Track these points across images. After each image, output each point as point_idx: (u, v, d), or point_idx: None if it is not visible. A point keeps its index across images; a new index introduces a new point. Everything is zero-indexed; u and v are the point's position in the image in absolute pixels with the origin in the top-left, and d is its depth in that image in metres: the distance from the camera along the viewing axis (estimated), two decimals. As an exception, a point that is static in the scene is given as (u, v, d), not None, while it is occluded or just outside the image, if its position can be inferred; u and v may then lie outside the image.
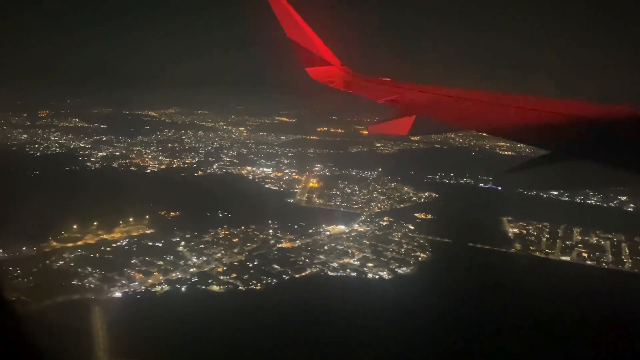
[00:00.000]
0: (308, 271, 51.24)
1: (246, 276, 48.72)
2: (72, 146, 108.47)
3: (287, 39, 13.10)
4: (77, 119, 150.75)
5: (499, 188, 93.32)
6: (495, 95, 8.25)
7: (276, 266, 51.23)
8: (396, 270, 53.15)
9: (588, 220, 68.99)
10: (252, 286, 47.14)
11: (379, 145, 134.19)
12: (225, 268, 50.55)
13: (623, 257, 58.29)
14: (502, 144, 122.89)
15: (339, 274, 51.53)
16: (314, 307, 42.75)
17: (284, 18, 12.80)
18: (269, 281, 48.19)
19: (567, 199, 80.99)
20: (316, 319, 40.99)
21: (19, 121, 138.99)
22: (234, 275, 48.61)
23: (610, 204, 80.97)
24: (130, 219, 60.56)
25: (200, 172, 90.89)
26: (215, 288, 46.38)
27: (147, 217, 61.55)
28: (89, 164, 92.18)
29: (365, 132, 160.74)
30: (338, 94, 12.60)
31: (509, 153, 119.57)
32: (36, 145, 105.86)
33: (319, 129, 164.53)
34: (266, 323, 39.52)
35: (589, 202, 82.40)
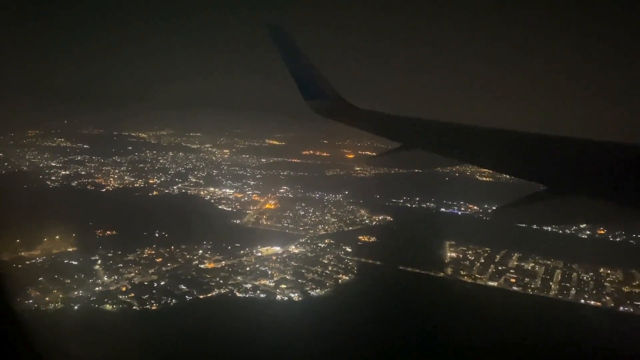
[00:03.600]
0: (215, 292, 50.33)
1: (146, 296, 47.96)
2: (41, 165, 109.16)
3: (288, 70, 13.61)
4: (62, 139, 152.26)
5: (459, 213, 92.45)
6: (493, 130, 8.38)
7: (183, 287, 50.43)
8: (309, 292, 52.07)
9: (533, 246, 67.59)
10: (148, 306, 46.34)
11: (358, 169, 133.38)
12: (130, 287, 49.87)
13: (551, 284, 56.69)
14: (483, 170, 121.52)
15: (247, 295, 50.55)
16: (201, 328, 41.88)
17: (285, 50, 13.31)
18: (168, 301, 47.38)
19: (523, 225, 79.38)
20: (199, 339, 40.09)
21: (3, 140, 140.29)
22: (133, 295, 47.86)
23: (567, 231, 79.22)
24: (57, 237, 60.22)
25: (155, 192, 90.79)
26: (108, 307, 45.66)
27: (74, 235, 61.11)
28: (48, 182, 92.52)
29: (351, 156, 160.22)
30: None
31: (488, 179, 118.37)
32: (5, 164, 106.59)
33: (304, 152, 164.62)
34: (141, 343, 38.66)
35: (546, 228, 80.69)
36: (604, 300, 53.08)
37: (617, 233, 76.99)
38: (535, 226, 71.20)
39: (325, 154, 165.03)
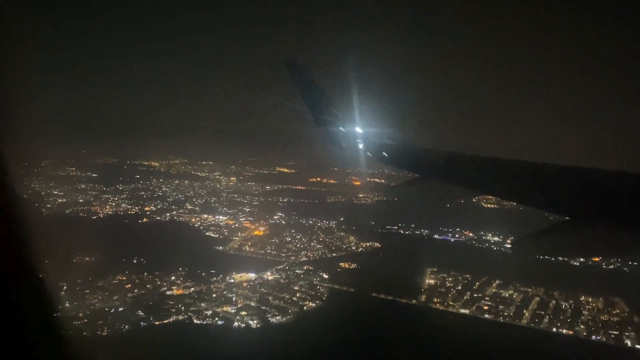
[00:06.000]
0: (172, 319, 49.83)
1: (101, 322, 47.62)
2: (42, 193, 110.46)
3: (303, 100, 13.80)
4: (73, 168, 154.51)
5: (452, 240, 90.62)
6: (512, 161, 8.39)
7: (140, 313, 50.00)
8: (269, 319, 51.16)
9: (518, 273, 65.20)
10: (99, 332, 45.96)
11: (361, 196, 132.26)
12: (88, 314, 49.61)
13: (525, 312, 54.62)
14: (488, 197, 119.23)
15: (203, 322, 49.85)
16: (142, 354, 41.22)
17: (299, 83, 13.44)
18: (121, 327, 46.97)
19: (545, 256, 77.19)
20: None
21: (14, 170, 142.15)
22: (86, 321, 47.55)
23: (559, 258, 76.68)
24: (30, 263, 60.44)
25: (145, 219, 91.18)
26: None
27: (46, 261, 61.12)
28: (43, 210, 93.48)
29: (358, 183, 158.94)
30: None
31: (492, 206, 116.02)
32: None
33: (311, 179, 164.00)
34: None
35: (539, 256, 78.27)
36: (577, 329, 50.92)
37: (611, 260, 74.23)
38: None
39: (332, 181, 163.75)
